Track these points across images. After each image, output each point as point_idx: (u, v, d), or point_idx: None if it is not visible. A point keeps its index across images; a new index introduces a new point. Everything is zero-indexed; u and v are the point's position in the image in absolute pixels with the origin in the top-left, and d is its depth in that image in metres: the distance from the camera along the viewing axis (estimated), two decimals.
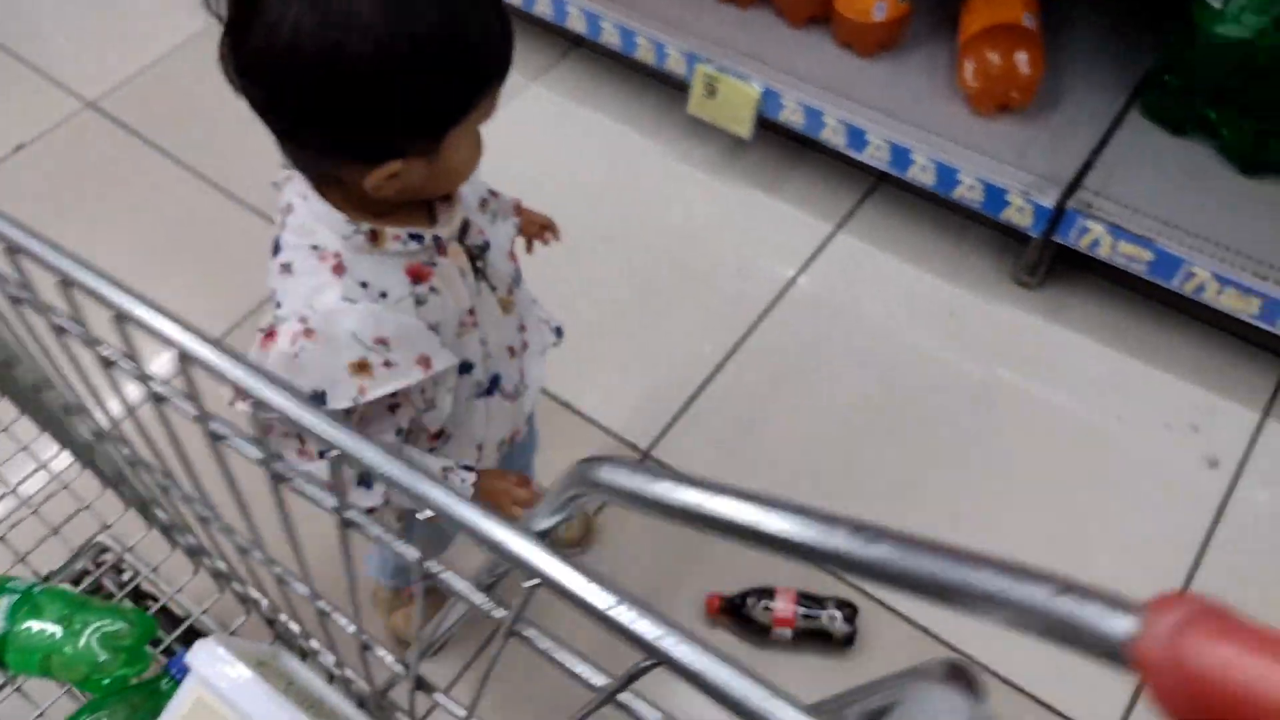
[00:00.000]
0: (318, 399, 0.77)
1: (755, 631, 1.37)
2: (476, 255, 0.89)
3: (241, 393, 0.52)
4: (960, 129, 1.69)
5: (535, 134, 2.03)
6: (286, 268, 0.78)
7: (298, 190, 0.79)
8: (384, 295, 0.79)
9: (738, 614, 1.38)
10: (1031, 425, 1.60)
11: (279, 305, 0.78)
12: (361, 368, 0.78)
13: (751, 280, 1.80)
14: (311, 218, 0.78)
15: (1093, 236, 1.57)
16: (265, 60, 0.67)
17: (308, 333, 0.76)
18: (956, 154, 1.65)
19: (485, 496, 0.94)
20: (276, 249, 0.80)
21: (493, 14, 0.71)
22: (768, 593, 1.37)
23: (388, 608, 1.39)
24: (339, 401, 0.78)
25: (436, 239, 0.82)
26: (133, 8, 2.36)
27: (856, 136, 1.72)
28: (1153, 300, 1.71)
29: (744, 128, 1.84)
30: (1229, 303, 1.52)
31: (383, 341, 0.78)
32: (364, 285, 0.78)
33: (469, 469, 0.94)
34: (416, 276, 0.81)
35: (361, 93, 0.67)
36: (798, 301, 1.77)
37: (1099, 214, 1.56)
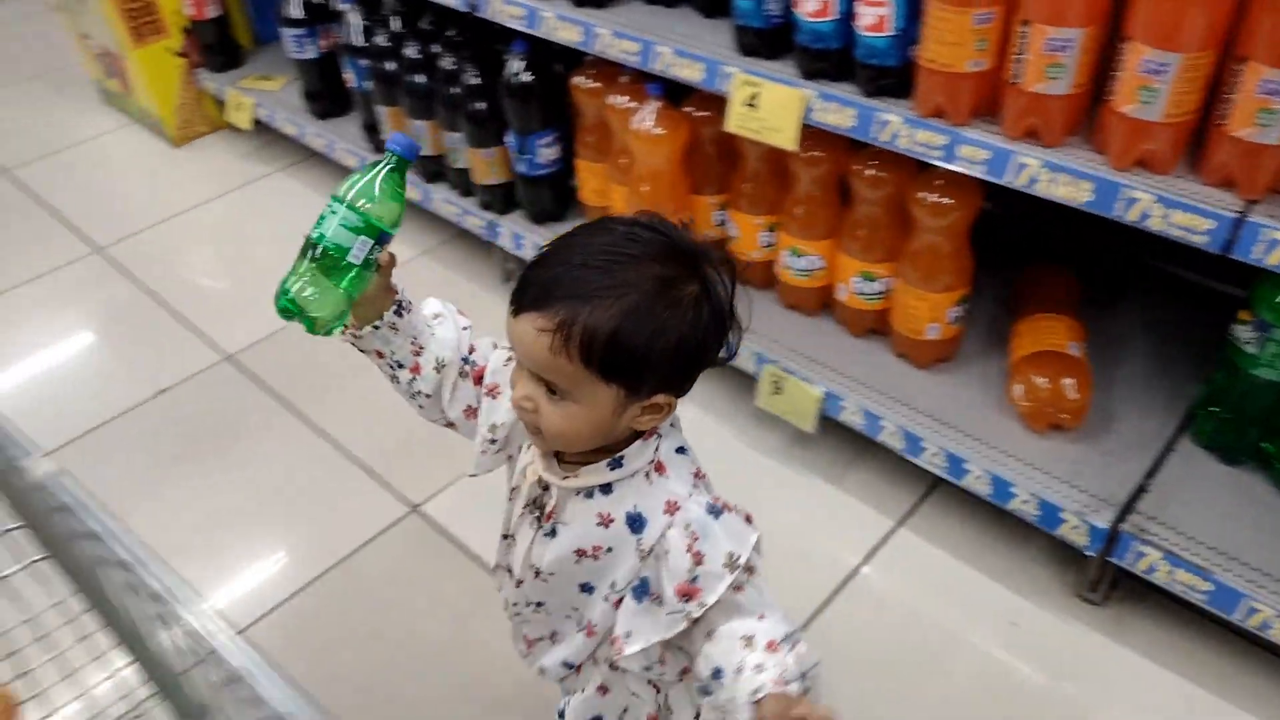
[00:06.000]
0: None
1: None
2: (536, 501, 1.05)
3: None
4: (1014, 443, 1.78)
5: None
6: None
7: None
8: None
9: None
10: None
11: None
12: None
13: (814, 568, 1.85)
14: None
15: (1149, 561, 1.60)
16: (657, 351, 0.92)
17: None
18: (1011, 467, 1.73)
19: None
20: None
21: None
22: None
23: None
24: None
25: None
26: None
27: (913, 441, 1.83)
28: (1220, 627, 1.69)
29: (808, 423, 1.97)
30: None
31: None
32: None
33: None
34: None
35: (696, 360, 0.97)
36: (859, 592, 1.80)
37: (1155, 540, 1.59)
